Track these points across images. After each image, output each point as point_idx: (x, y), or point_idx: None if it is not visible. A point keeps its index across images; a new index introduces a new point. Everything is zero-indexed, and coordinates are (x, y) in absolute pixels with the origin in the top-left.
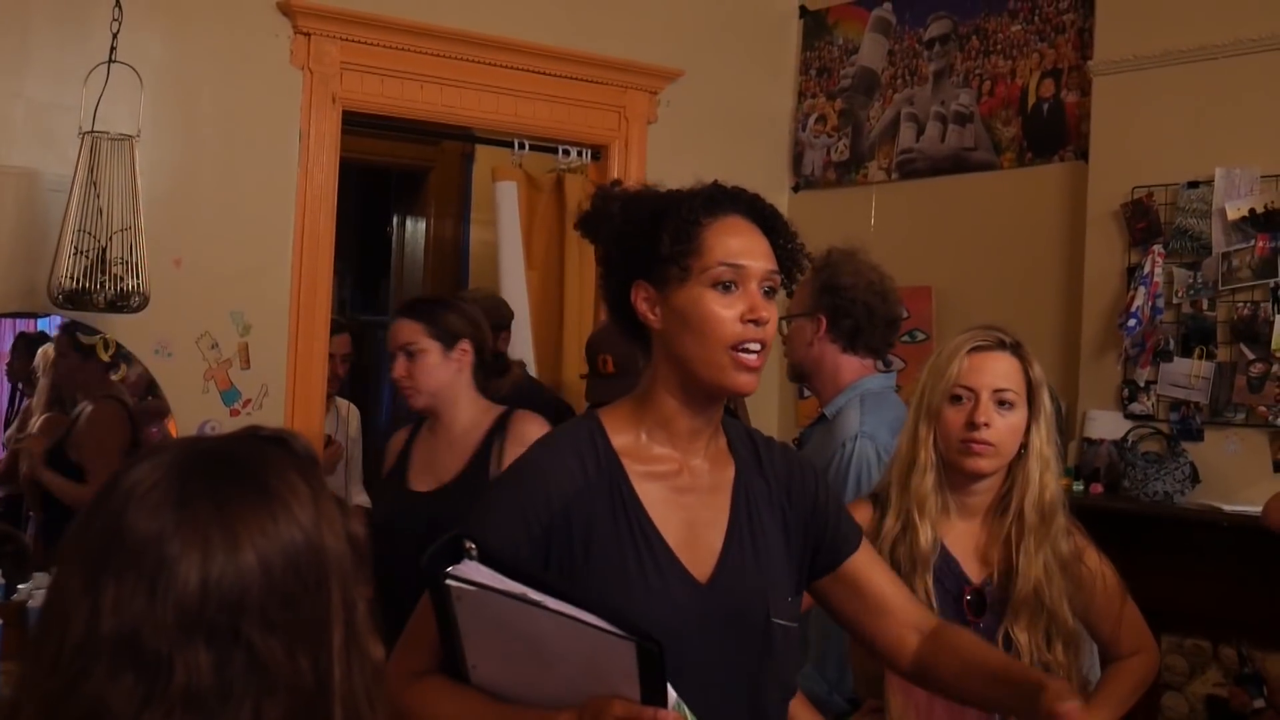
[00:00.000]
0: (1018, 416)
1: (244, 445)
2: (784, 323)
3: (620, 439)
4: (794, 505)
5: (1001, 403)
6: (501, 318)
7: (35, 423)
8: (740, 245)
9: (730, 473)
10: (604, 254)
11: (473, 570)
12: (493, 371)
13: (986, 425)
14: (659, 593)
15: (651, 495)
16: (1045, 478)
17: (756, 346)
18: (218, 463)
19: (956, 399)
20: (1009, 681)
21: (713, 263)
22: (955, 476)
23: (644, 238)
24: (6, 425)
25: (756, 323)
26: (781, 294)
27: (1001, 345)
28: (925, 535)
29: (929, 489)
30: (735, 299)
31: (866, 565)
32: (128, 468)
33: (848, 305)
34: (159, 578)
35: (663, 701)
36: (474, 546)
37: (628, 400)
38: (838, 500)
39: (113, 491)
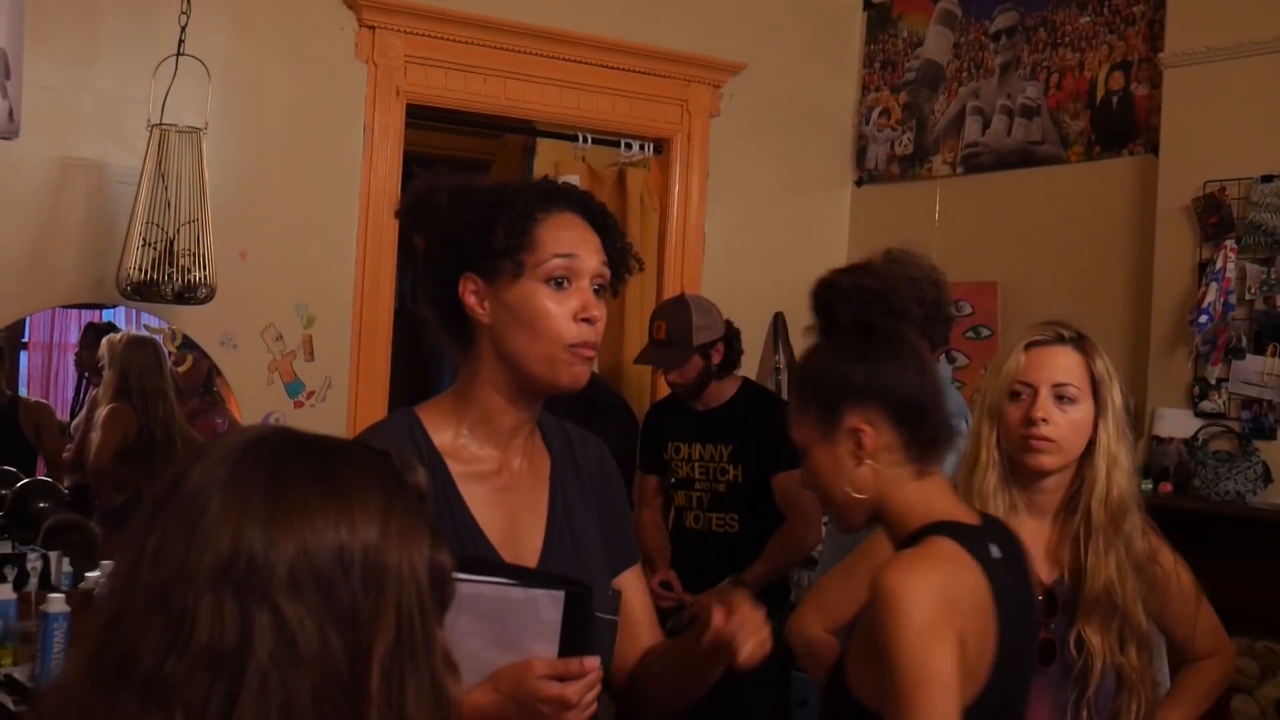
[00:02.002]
0: (1081, 412)
1: (338, 443)
2: None
3: (440, 437)
4: (603, 500)
5: (1061, 397)
6: None
7: (101, 413)
8: (573, 240)
9: (546, 467)
10: (427, 245)
11: None
12: None
13: (1045, 420)
14: None
15: (474, 495)
16: (1114, 475)
17: (587, 344)
18: (296, 445)
19: (1016, 395)
20: (681, 646)
21: (546, 257)
22: (1021, 474)
23: (474, 229)
24: (74, 415)
25: (589, 321)
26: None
27: (1061, 339)
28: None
29: (991, 488)
30: (567, 296)
31: (631, 585)
32: (224, 434)
33: (920, 295)
34: (197, 528)
35: (582, 649)
36: None
37: (445, 396)
38: (629, 516)
39: (196, 450)
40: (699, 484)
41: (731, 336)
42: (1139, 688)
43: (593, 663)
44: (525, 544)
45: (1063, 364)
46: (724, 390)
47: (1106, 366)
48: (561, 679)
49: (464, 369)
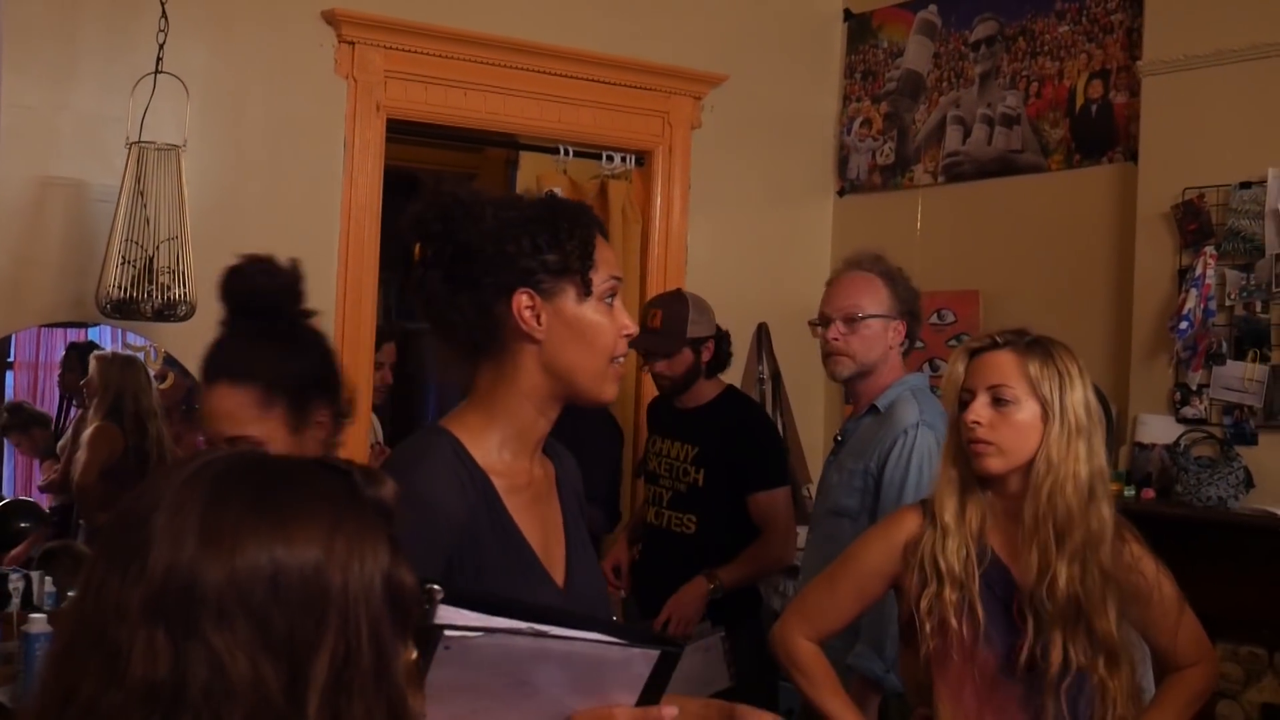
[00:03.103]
0: (1024, 413)
1: (291, 464)
2: (843, 323)
3: (480, 454)
4: (581, 509)
5: (998, 400)
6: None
7: (87, 433)
8: (614, 260)
9: (552, 475)
10: (451, 256)
11: (455, 615)
12: None
13: (977, 423)
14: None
15: (516, 509)
16: (1051, 482)
17: (623, 359)
18: (242, 469)
19: (963, 403)
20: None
21: (606, 277)
22: (984, 482)
23: (528, 246)
24: (59, 435)
25: (628, 336)
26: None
27: (996, 344)
28: (953, 545)
29: (951, 496)
30: (614, 313)
31: None
32: (193, 457)
33: (917, 311)
34: (134, 559)
35: (658, 699)
36: (440, 589)
37: (471, 412)
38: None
39: (151, 478)
40: (664, 480)
41: (722, 338)
42: (1114, 695)
43: (671, 712)
44: (554, 552)
45: (998, 366)
46: (706, 392)
47: (1058, 368)
48: None
49: (490, 382)
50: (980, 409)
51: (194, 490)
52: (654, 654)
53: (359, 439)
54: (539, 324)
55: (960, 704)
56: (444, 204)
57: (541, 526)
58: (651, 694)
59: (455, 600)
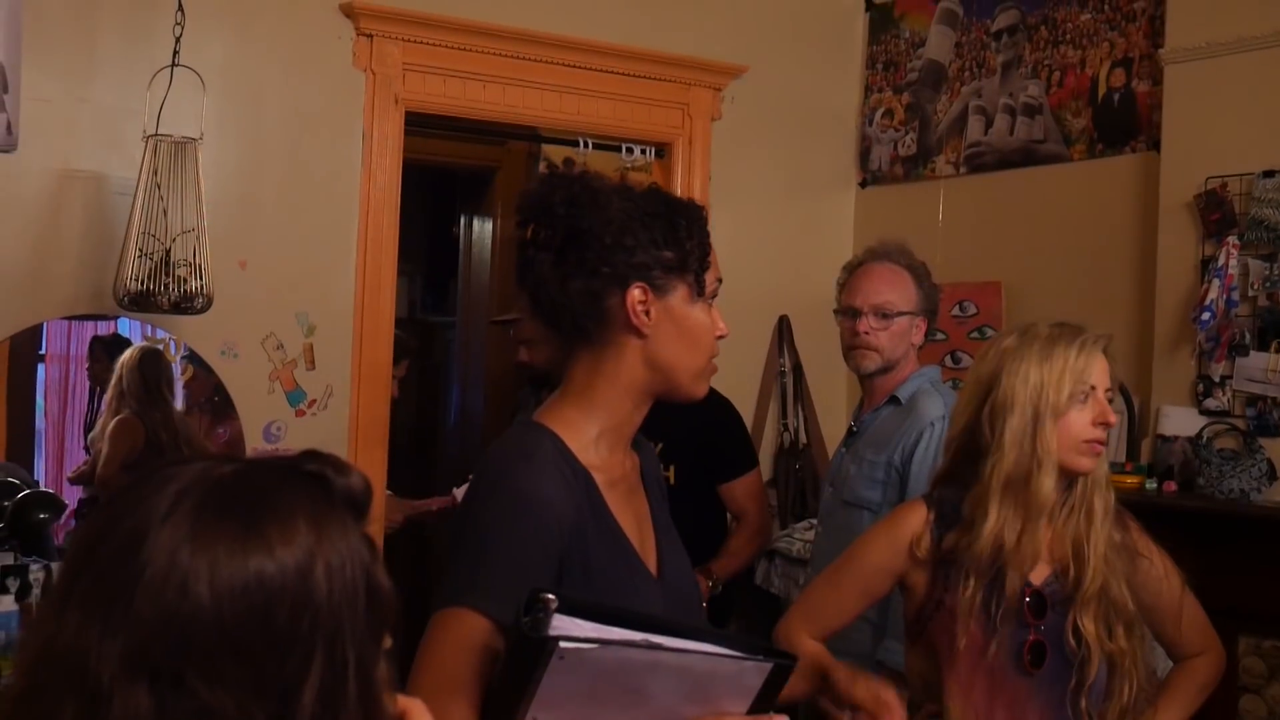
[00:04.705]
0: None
1: (266, 474)
2: (874, 318)
3: (578, 448)
4: (664, 494)
5: (1110, 400)
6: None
7: (109, 426)
8: (717, 262)
9: (638, 466)
10: (564, 240)
11: (570, 625)
12: None
13: (1112, 424)
14: (641, 599)
15: (615, 504)
16: (1106, 468)
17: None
18: (222, 490)
19: (1084, 398)
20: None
21: (713, 279)
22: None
23: (647, 240)
24: (89, 428)
25: (722, 337)
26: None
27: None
28: (1038, 539)
29: (1051, 491)
30: (714, 314)
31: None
32: (153, 477)
33: (936, 309)
34: (116, 602)
35: (769, 708)
36: (554, 599)
37: (569, 406)
38: None
39: (128, 501)
40: None
41: None
42: (1131, 671)
43: (780, 719)
44: (647, 544)
45: (1106, 367)
46: None
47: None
48: None
49: (588, 374)
50: (1110, 410)
51: (175, 530)
52: (766, 666)
53: (378, 428)
54: (648, 318)
55: (970, 700)
56: (571, 188)
57: (636, 519)
58: (763, 704)
59: (568, 609)
